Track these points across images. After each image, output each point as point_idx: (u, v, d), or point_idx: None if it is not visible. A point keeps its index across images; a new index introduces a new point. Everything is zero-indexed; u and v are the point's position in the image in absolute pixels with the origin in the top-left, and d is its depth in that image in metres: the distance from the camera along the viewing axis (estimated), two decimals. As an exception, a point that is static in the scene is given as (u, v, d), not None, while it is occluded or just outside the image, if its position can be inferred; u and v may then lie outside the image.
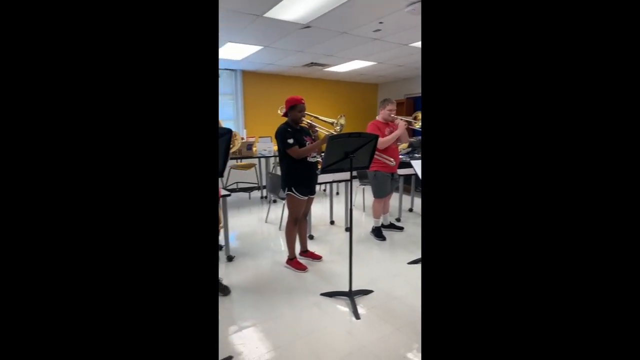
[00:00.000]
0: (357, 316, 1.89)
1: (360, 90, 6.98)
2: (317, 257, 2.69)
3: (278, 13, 2.87)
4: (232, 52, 4.14)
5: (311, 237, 3.15)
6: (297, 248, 2.63)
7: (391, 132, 2.96)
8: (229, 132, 1.37)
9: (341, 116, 2.51)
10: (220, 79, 5.31)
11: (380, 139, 2.88)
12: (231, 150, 1.49)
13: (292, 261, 2.54)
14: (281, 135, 2.27)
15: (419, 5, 2.66)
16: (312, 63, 4.88)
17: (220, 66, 5.11)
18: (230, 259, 2.70)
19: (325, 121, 2.52)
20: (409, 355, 1.58)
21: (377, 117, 3.07)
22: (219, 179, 2.20)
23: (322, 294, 2.13)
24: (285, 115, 2.40)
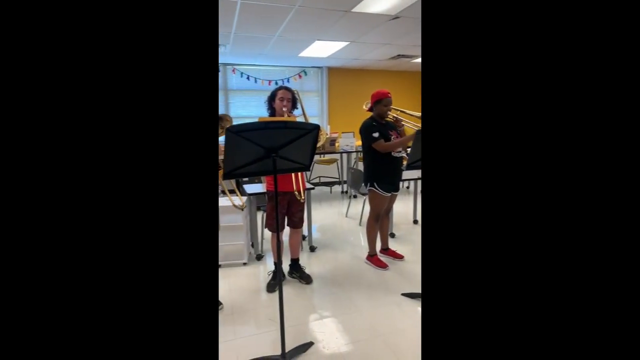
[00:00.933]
0: (441, 323, 1.78)
1: (450, 81, 6.46)
2: (398, 256, 2.61)
3: (366, 6, 2.83)
4: (319, 50, 4.26)
5: (392, 236, 3.07)
6: (378, 245, 2.60)
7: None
8: (317, 128, 1.41)
9: (430, 109, 2.37)
10: (306, 77, 5.53)
11: None
12: (318, 145, 1.53)
13: (372, 258, 2.52)
14: (366, 130, 2.26)
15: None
16: (398, 55, 4.71)
17: (307, 64, 5.32)
18: (312, 249, 2.81)
19: (412, 115, 2.41)
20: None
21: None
22: (305, 173, 2.29)
23: (403, 294, 2.06)
24: (370, 109, 2.38)
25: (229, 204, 2.20)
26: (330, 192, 5.21)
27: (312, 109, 5.72)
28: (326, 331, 1.74)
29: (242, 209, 2.34)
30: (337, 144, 4.60)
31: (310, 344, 1.62)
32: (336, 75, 5.63)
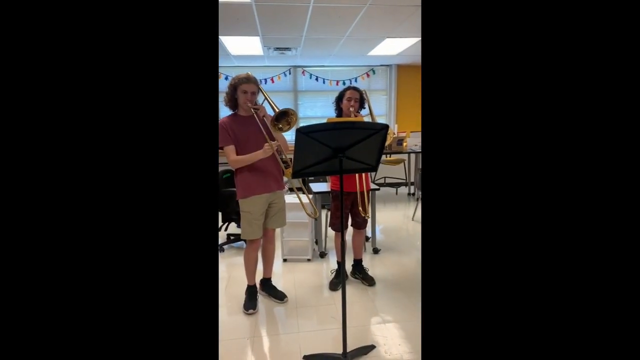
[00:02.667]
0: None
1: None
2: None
3: (441, -1, 2.68)
4: (388, 47, 4.17)
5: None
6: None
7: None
8: (385, 127, 1.39)
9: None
10: (374, 76, 5.45)
11: None
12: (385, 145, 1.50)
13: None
14: None
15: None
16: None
17: (375, 63, 5.24)
18: (376, 251, 2.77)
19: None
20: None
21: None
22: (369, 173, 2.27)
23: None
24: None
25: (296, 200, 2.29)
26: (396, 193, 5.06)
27: (380, 107, 5.62)
28: (388, 336, 1.70)
29: (315, 218, 2.41)
30: (404, 144, 4.45)
31: (372, 347, 1.60)
32: (405, 73, 5.44)
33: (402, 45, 4.08)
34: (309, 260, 2.64)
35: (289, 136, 1.78)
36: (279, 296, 2.06)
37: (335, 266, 2.43)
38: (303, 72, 5.23)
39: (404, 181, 5.26)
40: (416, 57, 4.84)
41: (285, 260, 2.64)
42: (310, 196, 2.73)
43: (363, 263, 2.34)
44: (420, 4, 2.77)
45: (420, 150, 4.45)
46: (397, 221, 3.70)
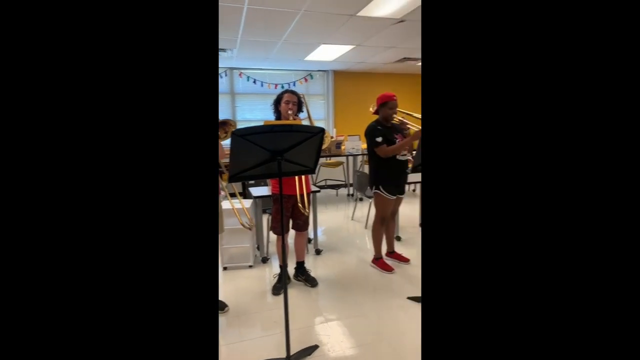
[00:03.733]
0: (448, 327, 1.77)
1: (457, 83, 6.44)
2: (404, 260, 2.59)
3: (371, 10, 2.85)
4: (324, 53, 4.29)
5: (398, 239, 3.06)
6: (384, 248, 2.59)
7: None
8: (322, 131, 1.42)
9: (435, 112, 2.36)
10: (312, 81, 5.56)
11: None
12: (322, 148, 1.54)
13: (378, 261, 2.51)
14: (370, 133, 2.26)
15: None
16: (404, 58, 4.71)
17: (312, 68, 5.35)
18: (318, 252, 2.82)
19: (418, 118, 2.41)
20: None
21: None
22: (310, 175, 2.30)
23: (409, 298, 2.05)
24: (376, 112, 2.38)
25: (238, 205, 2.22)
26: (337, 195, 5.21)
27: (318, 112, 5.74)
28: (331, 334, 1.74)
29: (250, 229, 2.36)
30: (343, 147, 4.61)
31: (316, 347, 1.62)
32: (342, 78, 5.65)
33: (337, 51, 4.23)
34: (250, 266, 2.57)
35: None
36: (219, 306, 1.97)
37: (278, 270, 2.41)
38: (240, 75, 5.11)
39: (344, 183, 5.44)
40: (352, 64, 5.06)
41: (225, 268, 2.54)
42: (249, 202, 2.68)
43: (306, 265, 2.35)
44: (352, 14, 2.91)
45: (358, 153, 4.64)
46: (338, 222, 3.81)
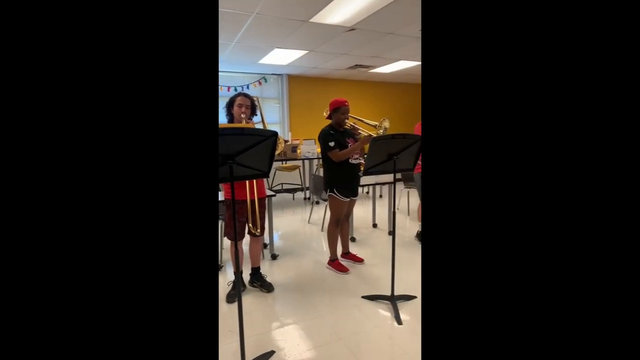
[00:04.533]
0: (399, 321, 1.85)
1: (406, 90, 6.81)
2: (358, 260, 2.67)
3: (324, 17, 2.92)
4: (278, 57, 4.29)
5: (353, 240, 3.14)
6: (339, 250, 2.64)
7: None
8: (274, 134, 1.42)
9: (384, 119, 2.48)
10: (266, 84, 5.52)
11: None
12: (276, 153, 1.54)
13: (333, 262, 2.55)
14: (323, 138, 2.30)
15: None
16: (356, 65, 4.87)
17: (266, 71, 5.31)
18: (274, 257, 2.79)
19: (368, 124, 2.51)
20: (454, 366, 1.51)
21: (423, 118, 2.98)
22: (265, 179, 2.29)
23: (364, 297, 2.11)
24: (329, 117, 2.43)
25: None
26: (293, 198, 5.21)
27: (273, 115, 5.71)
28: (288, 339, 1.73)
29: None
30: (298, 151, 4.63)
31: (272, 352, 1.61)
32: (296, 82, 5.69)
33: (291, 56, 4.25)
34: (203, 275, 2.47)
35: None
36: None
37: (233, 277, 2.34)
38: (190, 76, 4.90)
39: (300, 186, 5.46)
40: (306, 69, 5.12)
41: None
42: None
43: (261, 270, 2.32)
44: (305, 20, 2.96)
45: (313, 157, 4.69)
46: (295, 225, 3.81)
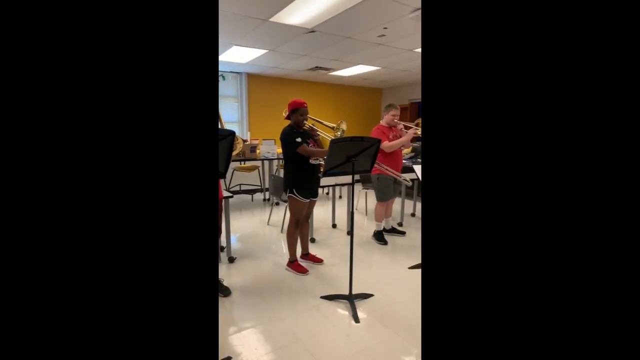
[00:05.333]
0: (357, 320, 1.89)
1: (364, 94, 7.01)
2: (318, 260, 2.69)
3: (283, 17, 2.90)
4: (237, 55, 4.19)
5: (313, 240, 3.16)
6: (299, 251, 2.64)
7: (395, 137, 2.98)
8: (232, 134, 1.39)
9: (342, 121, 2.53)
10: (225, 82, 5.35)
11: (386, 143, 2.90)
12: (233, 153, 1.49)
13: (293, 264, 2.54)
14: (287, 136, 2.29)
15: (423, 11, 2.68)
16: (316, 67, 4.91)
17: (225, 69, 5.16)
18: (231, 260, 2.71)
19: (326, 125, 2.54)
20: (407, 359, 1.58)
21: (382, 122, 3.09)
22: (222, 180, 2.21)
23: (322, 297, 2.13)
24: (288, 117, 2.42)
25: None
26: (252, 200, 5.10)
27: (231, 114, 5.55)
28: (245, 343, 1.69)
29: None
30: (258, 151, 4.55)
31: (228, 358, 1.56)
32: (256, 82, 5.59)
33: (250, 54, 4.17)
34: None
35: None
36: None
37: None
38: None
39: (259, 187, 5.37)
40: (266, 68, 5.05)
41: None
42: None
43: (218, 274, 2.24)
44: (264, 19, 2.92)
45: (273, 157, 4.64)
46: (254, 227, 3.73)
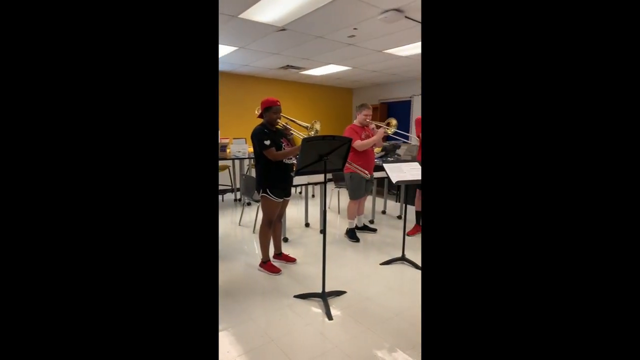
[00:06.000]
0: (330, 317, 1.91)
1: (336, 94, 7.07)
2: (291, 260, 2.68)
3: (253, 14, 2.86)
4: (206, 51, 4.06)
5: (286, 240, 3.14)
6: (271, 251, 2.62)
7: (367, 137, 3.03)
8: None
9: (316, 121, 2.54)
10: (193, 79, 5.19)
11: (358, 142, 2.94)
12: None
13: (265, 264, 2.52)
14: (258, 137, 2.26)
15: (391, 14, 2.75)
16: (288, 66, 4.89)
17: (193, 66, 4.99)
18: (201, 262, 2.63)
19: (300, 125, 2.54)
20: (380, 354, 1.61)
21: (354, 122, 3.13)
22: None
23: (296, 296, 2.13)
24: (260, 116, 2.39)
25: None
26: (222, 200, 4.99)
27: (200, 113, 5.38)
28: (218, 345, 1.65)
29: None
30: (228, 150, 4.45)
31: (200, 363, 1.51)
32: (227, 79, 5.47)
33: (220, 51, 4.07)
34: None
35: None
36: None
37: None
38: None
39: (230, 187, 5.25)
40: (237, 66, 4.95)
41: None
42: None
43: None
44: (234, 15, 2.86)
45: (244, 157, 4.56)
46: (225, 228, 3.65)
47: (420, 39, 3.47)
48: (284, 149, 2.34)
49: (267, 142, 2.24)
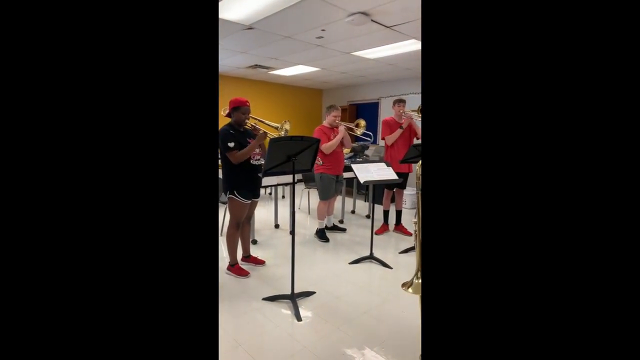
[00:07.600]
0: (299, 318, 1.91)
1: (305, 95, 7.07)
2: (260, 262, 2.64)
3: (220, 11, 2.79)
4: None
5: (254, 242, 3.09)
6: (239, 254, 2.57)
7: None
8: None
9: (286, 121, 2.52)
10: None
11: (325, 144, 2.96)
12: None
13: (233, 267, 2.46)
14: (222, 138, 2.20)
15: (358, 17, 2.80)
16: (256, 65, 4.82)
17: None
18: (165, 267, 2.52)
19: (270, 125, 2.51)
20: (349, 352, 1.63)
21: (324, 123, 3.15)
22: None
23: (264, 299, 2.10)
24: (228, 115, 2.34)
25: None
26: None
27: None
28: (182, 355, 1.59)
29: None
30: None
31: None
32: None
33: (184, 48, 3.93)
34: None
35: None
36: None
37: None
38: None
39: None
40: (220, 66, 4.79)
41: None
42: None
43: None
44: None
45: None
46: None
47: (386, 43, 3.57)
48: None
49: (231, 145, 2.18)
